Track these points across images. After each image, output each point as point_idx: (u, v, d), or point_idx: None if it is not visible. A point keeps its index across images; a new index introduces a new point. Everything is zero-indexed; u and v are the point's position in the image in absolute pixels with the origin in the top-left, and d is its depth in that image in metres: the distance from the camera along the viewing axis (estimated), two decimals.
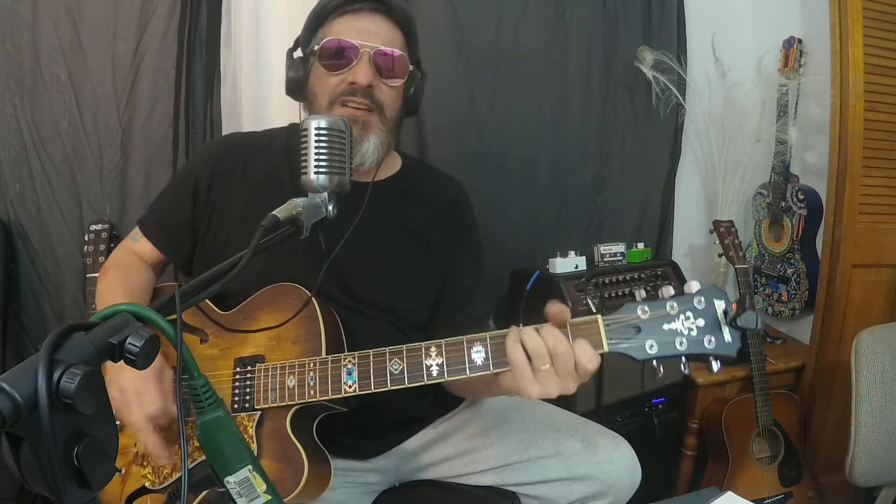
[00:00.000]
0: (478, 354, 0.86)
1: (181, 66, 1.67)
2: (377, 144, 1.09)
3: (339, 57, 1.07)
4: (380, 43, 1.08)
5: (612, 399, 1.78)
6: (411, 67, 1.14)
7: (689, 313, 0.82)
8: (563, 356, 0.79)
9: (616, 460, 1.14)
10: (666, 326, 0.82)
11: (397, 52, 1.10)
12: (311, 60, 1.13)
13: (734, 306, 0.81)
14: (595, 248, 1.88)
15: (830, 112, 1.87)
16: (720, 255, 1.95)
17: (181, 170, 1.47)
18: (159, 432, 0.92)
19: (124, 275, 1.14)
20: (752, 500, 1.01)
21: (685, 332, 0.82)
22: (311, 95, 1.12)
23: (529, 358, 0.80)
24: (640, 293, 0.85)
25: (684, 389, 1.95)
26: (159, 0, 1.66)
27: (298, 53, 1.17)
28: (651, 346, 0.81)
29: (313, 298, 0.99)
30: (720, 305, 0.82)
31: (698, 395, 1.93)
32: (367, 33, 1.08)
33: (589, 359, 0.80)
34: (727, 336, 0.82)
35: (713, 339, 0.81)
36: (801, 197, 2.04)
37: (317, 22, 1.13)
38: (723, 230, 1.90)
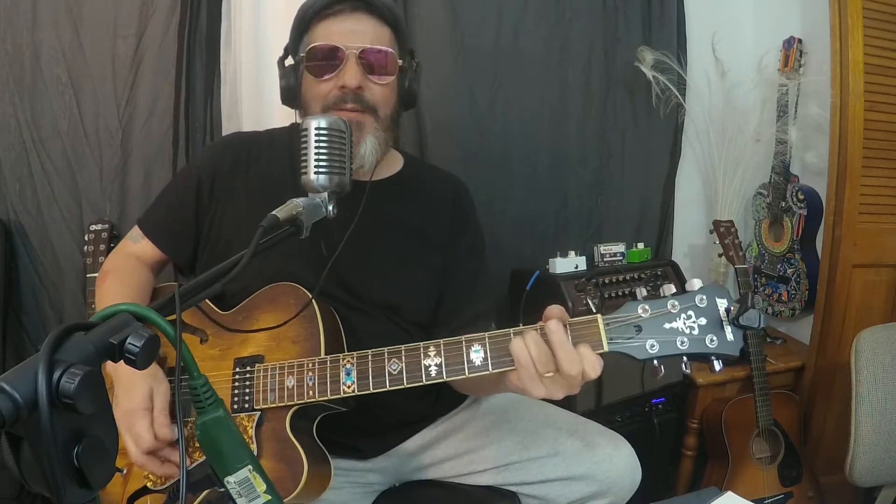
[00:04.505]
0: (476, 354, 0.86)
1: (181, 66, 1.67)
2: (374, 145, 1.08)
3: (326, 61, 1.06)
4: (366, 42, 1.06)
5: (612, 399, 1.78)
6: (401, 62, 1.12)
7: (690, 312, 0.81)
8: (567, 362, 0.79)
9: (616, 460, 1.14)
10: (667, 325, 0.81)
11: (384, 48, 1.08)
12: (300, 68, 1.12)
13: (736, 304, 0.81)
14: (595, 248, 1.89)
15: (830, 112, 1.87)
16: (720, 255, 1.95)
17: (183, 170, 1.47)
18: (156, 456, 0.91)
19: (121, 278, 1.13)
20: (752, 500, 1.01)
21: (686, 332, 0.80)
22: (305, 103, 1.11)
23: (534, 362, 0.80)
24: (642, 291, 0.84)
25: (684, 389, 1.95)
26: (159, 0, 1.66)
27: (290, 61, 1.15)
28: (652, 346, 0.80)
29: (313, 299, 0.99)
30: (722, 304, 0.81)
31: (698, 395, 1.93)
32: (353, 34, 1.06)
33: (592, 367, 0.79)
34: (729, 335, 0.80)
35: (715, 338, 0.80)
36: (801, 197, 2.03)
37: (301, 28, 1.11)
38: (723, 230, 1.89)
